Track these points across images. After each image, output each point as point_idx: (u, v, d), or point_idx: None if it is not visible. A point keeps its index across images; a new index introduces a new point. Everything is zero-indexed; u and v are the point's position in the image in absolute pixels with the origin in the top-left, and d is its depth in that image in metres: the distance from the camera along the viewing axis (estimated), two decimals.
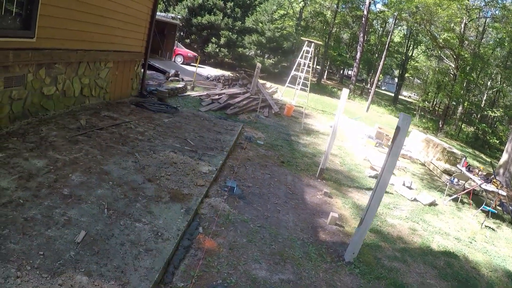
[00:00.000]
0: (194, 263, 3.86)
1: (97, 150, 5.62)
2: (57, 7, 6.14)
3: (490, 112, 25.59)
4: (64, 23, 6.46)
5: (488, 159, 19.36)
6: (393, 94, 41.04)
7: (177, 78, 15.54)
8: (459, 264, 5.92)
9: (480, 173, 10.31)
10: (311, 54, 18.93)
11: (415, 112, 30.34)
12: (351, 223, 6.22)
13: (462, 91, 25.00)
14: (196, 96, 13.19)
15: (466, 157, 12.06)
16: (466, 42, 25.65)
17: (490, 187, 9.33)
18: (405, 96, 53.23)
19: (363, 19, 31.62)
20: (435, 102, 36.00)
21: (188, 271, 3.72)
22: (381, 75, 46.25)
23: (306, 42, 19.24)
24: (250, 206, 5.67)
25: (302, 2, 33.13)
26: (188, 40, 26.85)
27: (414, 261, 5.58)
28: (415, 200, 8.38)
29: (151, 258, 3.51)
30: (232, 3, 27.08)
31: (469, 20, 24.30)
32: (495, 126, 27.97)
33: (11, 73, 5.51)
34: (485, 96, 28.46)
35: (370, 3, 31.09)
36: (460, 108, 28.50)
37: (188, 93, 13.46)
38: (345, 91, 7.69)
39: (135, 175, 5.17)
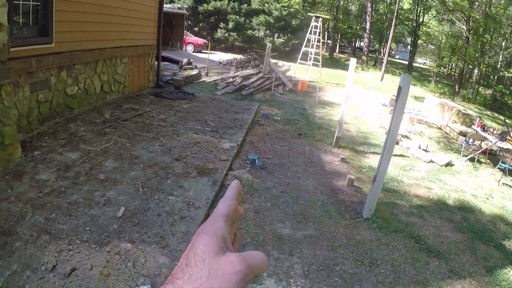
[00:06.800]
0: None
1: (124, 139, 6.07)
2: (71, 11, 6.53)
3: (506, 73, 24.96)
4: (78, 26, 6.87)
5: (508, 121, 19.16)
6: (407, 62, 40.35)
7: (190, 66, 15.88)
8: (475, 218, 6.15)
9: (495, 132, 10.38)
10: (320, 29, 18.99)
11: (430, 79, 29.87)
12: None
13: (476, 54, 24.29)
14: (211, 81, 13.55)
15: (480, 117, 12.06)
16: (477, 3, 24.81)
17: (505, 145, 9.39)
18: (420, 63, 52.21)
19: None
20: (450, 67, 35.21)
21: None
22: (393, 44, 45.37)
23: (314, 17, 19.34)
24: (271, 175, 6.05)
25: None
26: (196, 28, 27.07)
27: (431, 216, 5.85)
28: (431, 161, 8.57)
29: (185, 224, 3.94)
30: None
31: None
32: None
33: (36, 78, 5.94)
34: (500, 58, 27.72)
35: None
36: (476, 71, 27.90)
37: (203, 79, 13.82)
38: (352, 61, 7.88)
39: (163, 156, 5.61)
